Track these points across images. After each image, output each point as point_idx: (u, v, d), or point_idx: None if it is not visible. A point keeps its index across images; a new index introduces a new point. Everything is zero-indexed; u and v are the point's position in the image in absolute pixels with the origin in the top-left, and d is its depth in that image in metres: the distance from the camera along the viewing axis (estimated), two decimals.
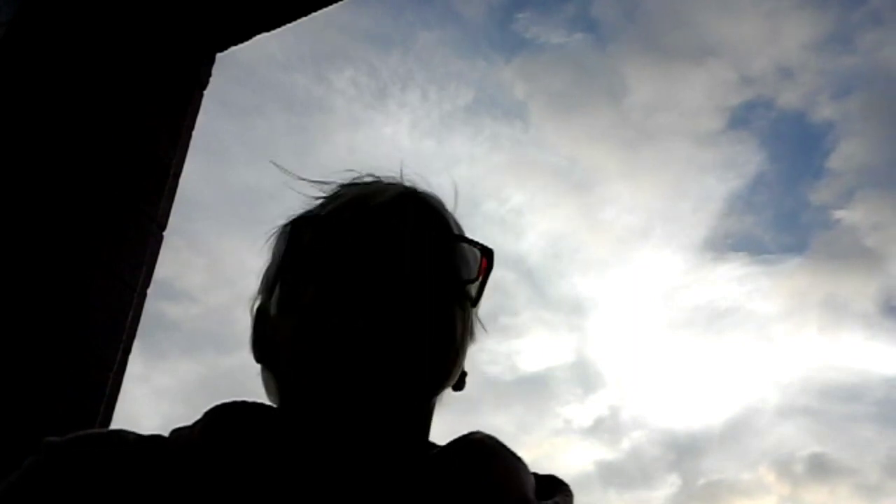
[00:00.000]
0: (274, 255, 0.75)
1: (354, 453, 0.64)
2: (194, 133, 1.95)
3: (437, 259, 0.67)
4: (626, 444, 7.02)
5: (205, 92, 2.01)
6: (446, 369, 0.67)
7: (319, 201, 0.75)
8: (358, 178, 0.76)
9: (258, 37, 2.02)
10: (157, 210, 1.81)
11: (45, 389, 1.50)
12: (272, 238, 0.76)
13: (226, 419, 0.67)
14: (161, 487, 0.61)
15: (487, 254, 0.72)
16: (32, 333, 1.52)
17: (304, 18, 1.96)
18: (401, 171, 0.77)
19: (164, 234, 1.83)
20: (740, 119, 6.49)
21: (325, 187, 0.76)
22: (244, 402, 0.71)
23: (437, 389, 0.68)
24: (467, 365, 0.74)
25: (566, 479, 0.72)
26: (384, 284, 0.63)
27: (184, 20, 1.96)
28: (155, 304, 1.80)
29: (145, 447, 0.65)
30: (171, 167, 1.86)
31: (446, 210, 0.74)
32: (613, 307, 6.67)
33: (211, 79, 2.02)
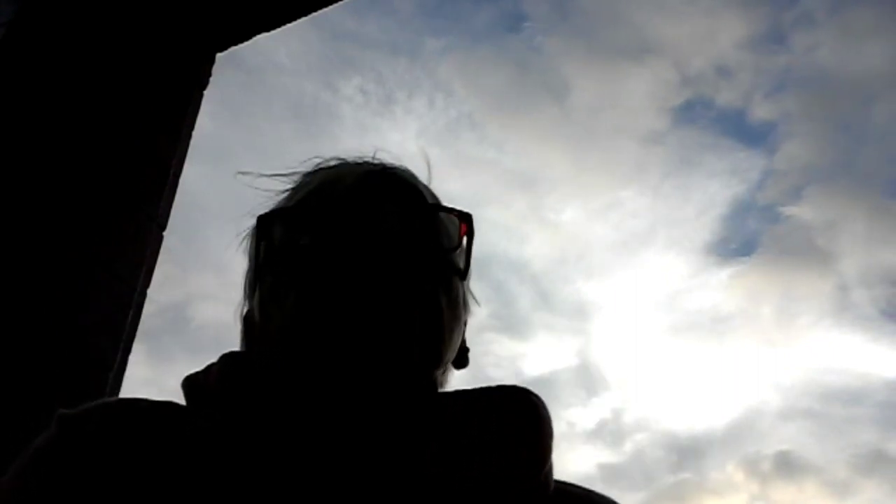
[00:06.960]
0: (249, 257, 0.72)
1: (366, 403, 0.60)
2: (194, 133, 1.95)
3: (414, 232, 0.63)
4: (628, 447, 7.01)
5: (205, 92, 2.01)
6: (439, 346, 0.63)
7: (285, 194, 0.71)
8: (322, 162, 0.72)
9: (262, 40, 2.02)
10: (157, 210, 1.81)
11: (46, 389, 1.50)
12: (245, 241, 0.73)
13: (242, 365, 0.64)
14: (183, 446, 0.59)
15: (466, 219, 0.67)
16: (32, 333, 1.52)
17: (304, 19, 1.96)
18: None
19: (164, 233, 1.83)
20: (683, 118, 6.43)
21: (290, 178, 0.72)
22: (257, 351, 0.68)
23: (435, 366, 0.64)
24: (471, 355, 0.71)
25: (569, 482, 0.67)
26: (364, 272, 0.60)
27: (184, 20, 1.96)
28: (159, 306, 1.80)
29: (160, 412, 0.62)
30: (171, 167, 1.86)
31: (418, 181, 0.70)
32: (617, 311, 6.66)
33: (211, 79, 2.02)
